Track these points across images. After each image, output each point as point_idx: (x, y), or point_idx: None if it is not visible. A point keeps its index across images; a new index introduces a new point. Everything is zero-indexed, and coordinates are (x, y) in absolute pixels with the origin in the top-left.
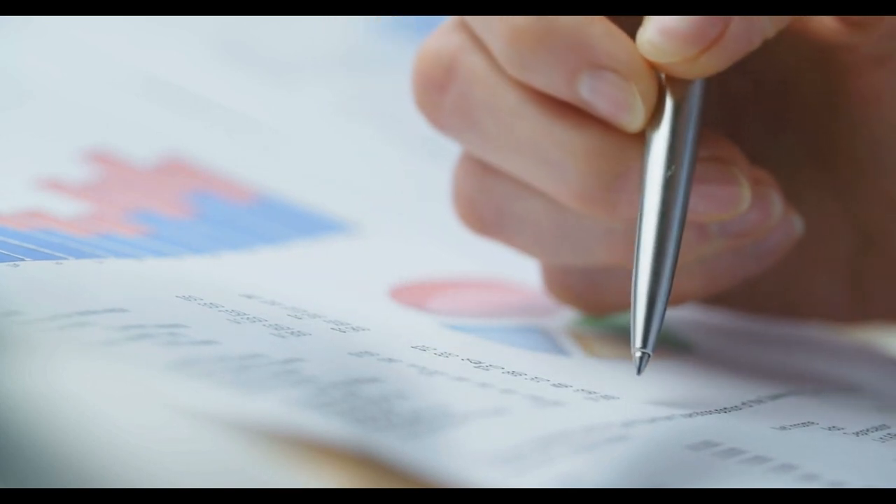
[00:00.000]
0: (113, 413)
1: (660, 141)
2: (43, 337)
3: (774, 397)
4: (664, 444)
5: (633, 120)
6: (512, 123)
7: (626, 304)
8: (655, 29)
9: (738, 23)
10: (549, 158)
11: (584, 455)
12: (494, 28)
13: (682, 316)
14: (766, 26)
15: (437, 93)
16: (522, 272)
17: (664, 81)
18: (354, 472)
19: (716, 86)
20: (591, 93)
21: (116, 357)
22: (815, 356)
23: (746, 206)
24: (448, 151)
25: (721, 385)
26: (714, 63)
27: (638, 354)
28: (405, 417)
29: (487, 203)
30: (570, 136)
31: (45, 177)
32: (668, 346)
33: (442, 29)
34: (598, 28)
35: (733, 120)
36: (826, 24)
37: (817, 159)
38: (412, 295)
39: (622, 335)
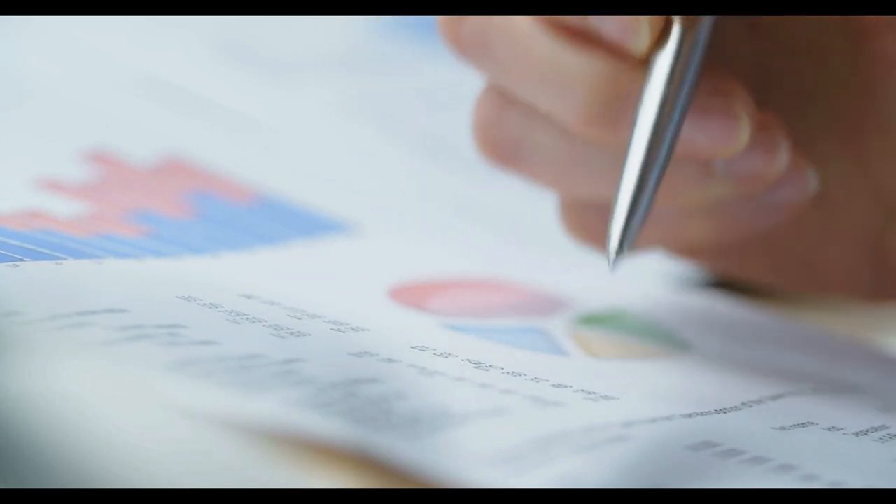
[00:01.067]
0: (112, 413)
1: (662, 62)
2: (42, 337)
3: (774, 397)
4: (664, 445)
5: (639, 43)
6: (524, 48)
7: (642, 245)
8: None
9: None
10: (558, 83)
11: (584, 455)
12: None
13: (682, 316)
14: None
15: (458, 19)
16: (522, 272)
17: None
18: (354, 473)
19: (743, 52)
20: (599, 17)
21: (116, 357)
22: (815, 356)
23: (745, 141)
24: (448, 151)
25: (721, 385)
26: None
27: (613, 251)
28: (405, 417)
29: (504, 132)
30: (578, 60)
31: (45, 177)
32: (668, 346)
33: None
34: None
35: (757, 86)
36: None
37: (841, 127)
38: (412, 295)
39: (622, 336)
